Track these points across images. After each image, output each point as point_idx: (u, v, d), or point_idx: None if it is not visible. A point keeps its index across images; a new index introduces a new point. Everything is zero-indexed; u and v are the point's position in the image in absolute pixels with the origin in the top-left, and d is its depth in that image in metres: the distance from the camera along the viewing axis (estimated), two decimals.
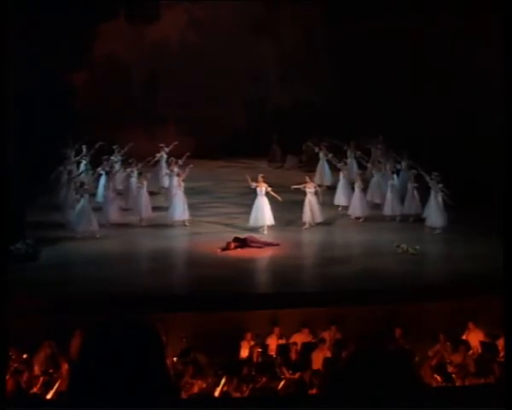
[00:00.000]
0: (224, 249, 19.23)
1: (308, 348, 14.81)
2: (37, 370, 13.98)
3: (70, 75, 29.13)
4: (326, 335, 15.21)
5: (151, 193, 22.61)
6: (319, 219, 21.32)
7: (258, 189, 21.06)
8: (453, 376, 13.58)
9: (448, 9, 22.77)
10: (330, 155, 24.63)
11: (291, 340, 15.36)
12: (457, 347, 14.69)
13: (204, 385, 12.80)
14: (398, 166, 23.21)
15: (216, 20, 30.64)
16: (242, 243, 19.48)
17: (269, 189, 21.16)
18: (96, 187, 23.24)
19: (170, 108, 30.94)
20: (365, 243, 20.23)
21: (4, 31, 15.42)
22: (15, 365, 13.62)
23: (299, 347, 14.95)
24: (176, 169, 22.52)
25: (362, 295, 16.37)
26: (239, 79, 30.83)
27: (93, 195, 22.36)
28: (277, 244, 19.85)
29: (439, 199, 20.48)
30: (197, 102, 30.74)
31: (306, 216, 21.21)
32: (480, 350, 14.95)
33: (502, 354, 14.30)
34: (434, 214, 20.60)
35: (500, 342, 14.67)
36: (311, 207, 21.21)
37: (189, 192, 22.56)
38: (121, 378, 2.51)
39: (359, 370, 2.49)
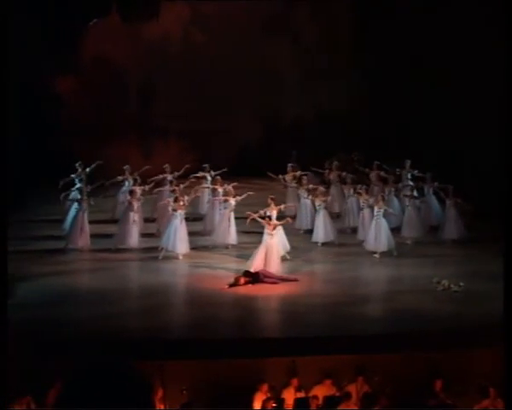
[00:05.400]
0: (232, 285, 19.08)
1: (331, 403, 14.71)
2: None
3: (54, 81, 29.22)
4: (352, 387, 15.13)
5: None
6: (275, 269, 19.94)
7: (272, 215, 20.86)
8: None
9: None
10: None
11: (311, 393, 15.26)
12: (510, 404, 14.46)
13: None
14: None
15: (224, 17, 30.76)
16: (254, 277, 19.35)
17: (282, 206, 21.16)
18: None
19: (170, 119, 31.00)
20: (397, 278, 20.16)
21: None
22: None
23: (320, 401, 14.81)
24: (220, 189, 23.13)
25: (395, 340, 16.20)
26: (251, 85, 30.85)
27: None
28: (295, 280, 19.66)
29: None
30: (201, 113, 30.75)
31: (254, 263, 19.81)
32: None
33: None
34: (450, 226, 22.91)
35: None
36: (268, 253, 19.89)
37: (190, 218, 22.48)
38: None
39: None
